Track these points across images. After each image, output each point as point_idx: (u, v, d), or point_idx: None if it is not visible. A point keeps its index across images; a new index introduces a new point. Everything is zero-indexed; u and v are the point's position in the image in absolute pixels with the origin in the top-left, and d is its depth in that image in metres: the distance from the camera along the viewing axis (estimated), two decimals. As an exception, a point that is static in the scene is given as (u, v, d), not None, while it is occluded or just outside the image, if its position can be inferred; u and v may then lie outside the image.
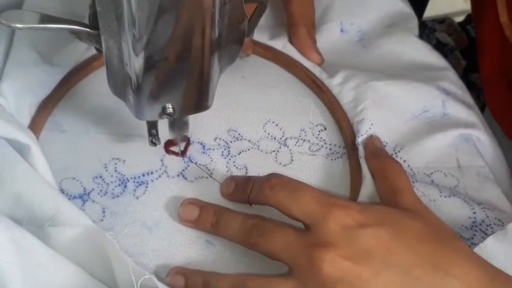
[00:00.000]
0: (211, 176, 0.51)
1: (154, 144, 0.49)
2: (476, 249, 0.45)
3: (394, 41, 0.63)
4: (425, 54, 0.63)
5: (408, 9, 0.68)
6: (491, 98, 0.68)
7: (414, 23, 0.67)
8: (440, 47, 0.69)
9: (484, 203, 0.51)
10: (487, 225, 0.49)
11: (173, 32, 0.39)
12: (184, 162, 0.52)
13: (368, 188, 0.50)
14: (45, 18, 0.39)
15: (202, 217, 0.47)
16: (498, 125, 0.65)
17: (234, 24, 0.42)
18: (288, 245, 0.43)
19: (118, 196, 0.49)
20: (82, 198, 0.49)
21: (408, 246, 0.42)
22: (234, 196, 0.49)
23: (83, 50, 0.55)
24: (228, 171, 0.52)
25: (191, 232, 0.48)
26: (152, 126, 0.48)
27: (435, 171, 0.53)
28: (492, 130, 0.60)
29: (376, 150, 0.53)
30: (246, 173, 0.52)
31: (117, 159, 0.51)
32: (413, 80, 0.58)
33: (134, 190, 0.50)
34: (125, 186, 0.50)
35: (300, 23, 0.61)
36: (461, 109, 0.58)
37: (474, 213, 0.49)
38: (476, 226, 0.49)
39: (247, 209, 0.47)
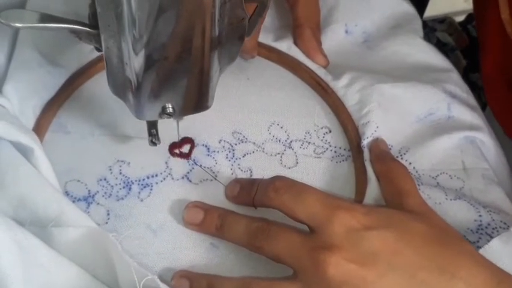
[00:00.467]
0: (215, 179, 0.51)
1: (154, 144, 0.49)
2: (481, 251, 0.45)
3: (399, 43, 0.63)
4: (430, 55, 0.63)
5: (412, 10, 0.68)
6: (491, 97, 0.68)
7: (419, 24, 0.67)
8: (440, 47, 0.69)
9: (490, 205, 0.51)
10: (493, 228, 0.48)
11: (173, 31, 0.39)
12: (189, 164, 0.52)
13: (373, 190, 0.50)
14: (45, 18, 0.39)
15: (206, 220, 0.47)
16: (498, 124, 0.65)
17: (234, 23, 0.42)
18: (292, 247, 0.42)
19: (122, 199, 0.49)
20: (87, 200, 0.49)
21: (414, 249, 0.41)
22: (238, 199, 0.49)
23: (88, 51, 0.55)
24: (232, 173, 0.52)
25: (195, 235, 0.48)
26: (152, 126, 0.48)
27: (440, 174, 0.53)
28: (493, 130, 0.60)
29: (381, 153, 0.52)
30: (251, 176, 0.52)
31: (122, 161, 0.51)
32: (418, 82, 0.58)
33: (139, 193, 0.50)
34: (130, 189, 0.50)
35: (305, 25, 0.61)
36: (466, 112, 0.58)
37: (480, 216, 0.49)
38: (481, 229, 0.49)
39: (252, 212, 0.47)
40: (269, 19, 0.63)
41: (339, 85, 0.57)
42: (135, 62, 0.40)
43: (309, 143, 0.55)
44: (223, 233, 0.47)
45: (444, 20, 0.86)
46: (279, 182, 0.45)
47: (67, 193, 0.49)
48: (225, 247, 0.47)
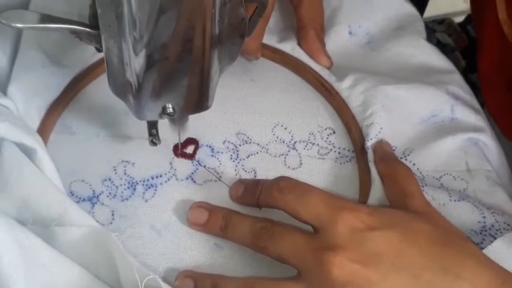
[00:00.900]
0: (219, 180, 0.51)
1: (154, 144, 0.49)
2: (484, 252, 0.45)
3: (403, 44, 0.63)
4: (433, 57, 0.63)
5: (415, 12, 0.68)
6: (489, 97, 0.68)
7: (422, 25, 0.67)
8: (440, 48, 0.69)
9: (493, 207, 0.51)
10: (497, 230, 0.48)
11: (173, 31, 0.39)
12: (193, 165, 0.52)
13: (377, 191, 0.50)
14: (46, 18, 0.39)
15: (211, 220, 0.47)
16: (495, 124, 0.65)
17: (234, 24, 0.42)
18: (296, 248, 0.43)
19: (127, 199, 0.49)
20: (91, 201, 0.49)
21: (418, 249, 0.41)
22: (243, 199, 0.49)
23: (92, 52, 0.55)
24: (236, 174, 0.52)
25: (200, 235, 0.48)
26: (152, 126, 0.48)
27: (444, 175, 0.53)
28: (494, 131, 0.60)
29: (385, 154, 0.53)
30: (255, 177, 0.52)
31: (126, 162, 0.51)
32: (421, 83, 0.58)
33: (143, 193, 0.50)
34: (134, 189, 0.50)
35: (309, 26, 0.61)
36: (470, 114, 0.58)
37: (484, 217, 0.49)
38: (485, 231, 0.48)
39: (256, 213, 0.47)
40: (273, 20, 0.63)
41: (343, 86, 0.57)
42: (135, 63, 0.40)
43: (313, 144, 0.55)
44: (228, 233, 0.47)
45: (443, 21, 0.86)
46: (283, 183, 0.45)
47: (71, 193, 0.49)
48: (229, 247, 0.47)
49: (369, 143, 0.53)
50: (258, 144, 0.54)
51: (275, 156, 0.53)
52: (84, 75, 0.56)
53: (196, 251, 0.47)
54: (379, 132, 0.54)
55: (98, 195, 0.49)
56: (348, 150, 0.55)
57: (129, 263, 0.41)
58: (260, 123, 0.55)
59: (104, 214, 0.48)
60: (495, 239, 0.47)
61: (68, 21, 0.40)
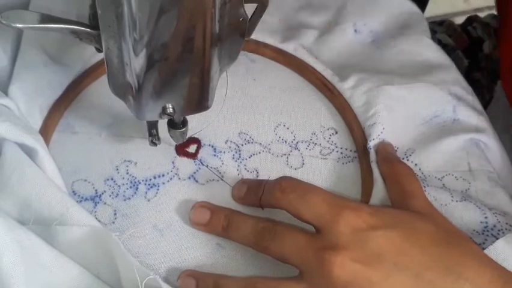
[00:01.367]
0: (222, 179, 0.51)
1: (154, 144, 0.49)
2: (486, 252, 0.45)
3: (408, 42, 0.62)
4: (437, 56, 0.63)
5: (419, 11, 0.68)
6: (509, 89, 0.67)
7: (426, 24, 0.67)
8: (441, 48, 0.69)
9: (495, 207, 0.51)
10: (499, 230, 0.48)
11: (173, 32, 0.39)
12: (195, 165, 0.52)
13: (379, 191, 0.50)
14: (46, 18, 0.40)
15: (213, 220, 0.47)
16: (501, 125, 0.64)
17: (234, 23, 0.42)
18: (298, 248, 0.43)
19: (129, 198, 0.49)
20: (94, 200, 0.49)
21: (420, 249, 0.41)
22: (245, 200, 0.49)
23: (93, 50, 0.55)
24: (238, 174, 0.52)
25: (202, 235, 0.48)
26: (152, 126, 0.48)
27: (446, 175, 0.53)
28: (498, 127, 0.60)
29: (388, 154, 0.52)
30: (257, 176, 0.52)
31: (129, 161, 0.51)
32: (424, 83, 0.58)
33: (146, 192, 0.50)
34: (137, 189, 0.50)
35: None
36: (472, 115, 0.58)
37: (486, 218, 0.49)
38: (487, 231, 0.48)
39: (258, 213, 0.48)
40: (276, 20, 0.63)
41: (345, 86, 0.57)
42: (135, 63, 0.40)
43: (315, 144, 0.55)
44: (230, 233, 0.47)
45: (443, 22, 0.86)
46: (285, 182, 0.45)
47: (74, 193, 0.49)
48: (231, 247, 0.47)
49: (371, 143, 0.53)
50: (260, 144, 0.54)
51: (277, 156, 0.54)
52: (86, 74, 0.56)
53: (199, 250, 0.47)
54: (381, 132, 0.54)
55: (100, 195, 0.49)
56: (351, 151, 0.55)
57: (130, 263, 0.41)
58: (262, 123, 0.55)
59: (106, 213, 0.48)
60: (497, 239, 0.47)
61: (68, 21, 0.40)
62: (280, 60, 0.60)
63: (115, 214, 0.48)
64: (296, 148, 0.54)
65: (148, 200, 0.49)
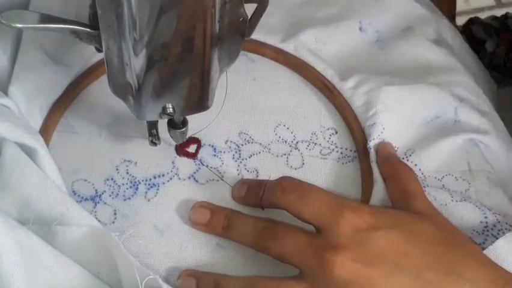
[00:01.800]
0: (222, 179, 0.51)
1: (154, 144, 0.49)
2: (486, 252, 0.45)
3: (411, 44, 0.62)
4: (441, 57, 0.62)
5: (426, 12, 0.67)
6: None
7: (432, 26, 0.67)
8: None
9: (495, 207, 0.51)
10: (499, 230, 0.48)
11: (173, 32, 0.39)
12: (195, 164, 0.52)
13: (379, 191, 0.50)
14: (46, 18, 0.40)
15: (213, 220, 0.47)
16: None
17: (234, 23, 0.42)
18: (299, 248, 0.43)
19: (129, 198, 0.49)
20: (94, 200, 0.49)
21: (420, 249, 0.41)
22: (246, 200, 0.49)
23: (94, 50, 0.55)
24: (238, 174, 0.52)
25: (202, 235, 0.48)
26: (152, 126, 0.48)
27: (446, 175, 0.53)
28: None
29: (388, 155, 0.52)
30: (257, 176, 0.52)
31: (128, 161, 0.51)
32: (426, 84, 0.57)
33: (146, 192, 0.50)
34: (137, 189, 0.50)
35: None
36: (474, 116, 0.57)
37: (485, 217, 0.49)
38: (487, 231, 0.48)
39: (258, 213, 0.48)
40: (276, 20, 0.63)
41: (346, 87, 0.57)
42: (135, 63, 0.40)
43: (315, 144, 0.55)
44: (230, 233, 0.47)
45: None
46: (285, 182, 0.45)
47: (74, 193, 0.49)
48: (232, 247, 0.47)
49: (371, 143, 0.53)
50: (260, 144, 0.54)
51: (277, 156, 0.54)
52: (86, 74, 0.56)
53: (199, 250, 0.47)
54: (381, 132, 0.54)
55: (100, 195, 0.49)
56: (351, 151, 0.55)
57: (130, 263, 0.41)
58: (262, 123, 0.55)
59: (106, 213, 0.48)
60: (497, 239, 0.47)
61: (68, 21, 0.40)
62: (280, 60, 0.60)
63: (115, 214, 0.48)
64: (296, 148, 0.54)
65: (148, 200, 0.49)
